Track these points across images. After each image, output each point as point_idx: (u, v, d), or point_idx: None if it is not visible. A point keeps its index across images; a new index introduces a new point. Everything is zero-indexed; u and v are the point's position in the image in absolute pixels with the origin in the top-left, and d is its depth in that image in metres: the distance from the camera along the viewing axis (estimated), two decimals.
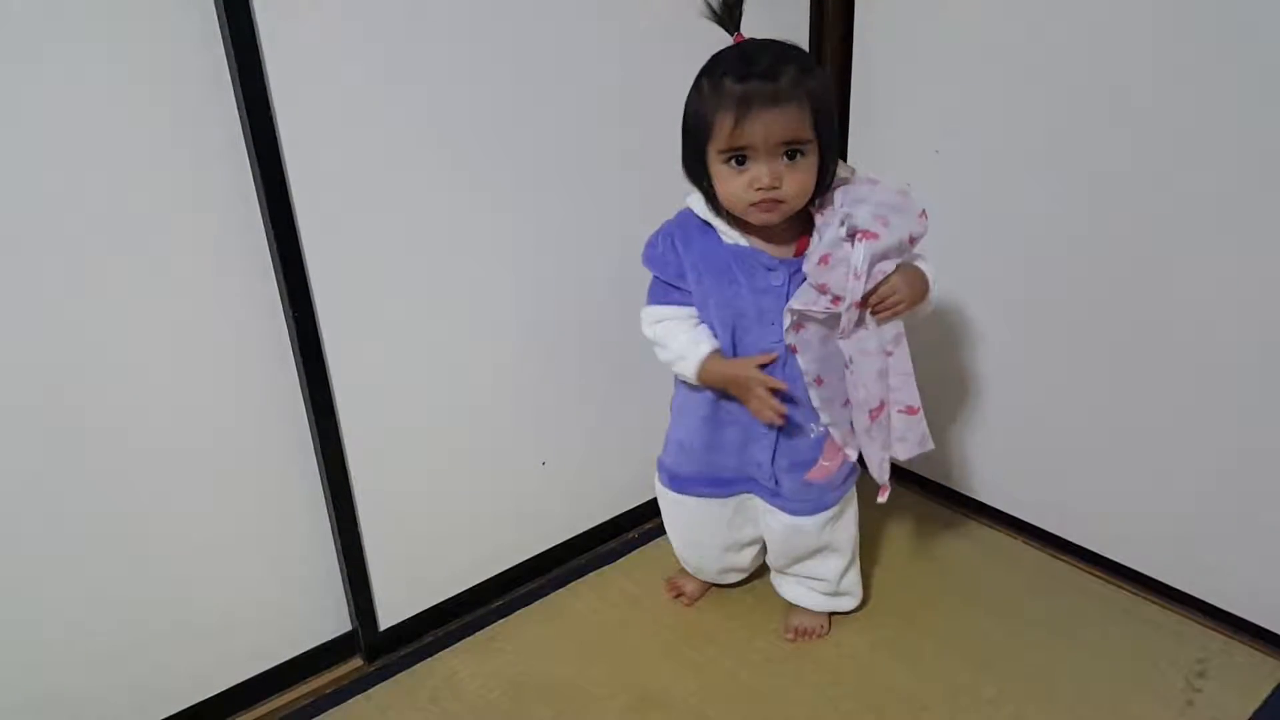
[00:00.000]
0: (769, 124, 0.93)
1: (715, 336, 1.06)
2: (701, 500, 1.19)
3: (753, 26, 0.99)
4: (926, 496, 1.54)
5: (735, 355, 1.06)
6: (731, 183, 0.97)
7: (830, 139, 0.97)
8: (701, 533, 1.23)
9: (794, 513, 1.14)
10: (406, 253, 1.10)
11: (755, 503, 1.18)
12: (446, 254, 1.13)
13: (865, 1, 1.36)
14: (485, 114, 1.11)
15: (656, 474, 1.23)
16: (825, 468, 1.11)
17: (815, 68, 0.97)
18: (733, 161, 0.96)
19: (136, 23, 0.87)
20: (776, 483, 1.13)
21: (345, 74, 0.99)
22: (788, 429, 1.08)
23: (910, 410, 1.05)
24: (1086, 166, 1.19)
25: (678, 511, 1.23)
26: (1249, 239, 1.07)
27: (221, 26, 0.90)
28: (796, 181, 0.96)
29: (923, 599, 1.30)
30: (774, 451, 1.11)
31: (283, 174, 0.97)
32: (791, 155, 0.96)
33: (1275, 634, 1.18)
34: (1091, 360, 1.27)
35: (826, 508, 1.14)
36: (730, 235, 1.03)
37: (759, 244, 1.03)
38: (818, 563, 1.19)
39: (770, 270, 1.02)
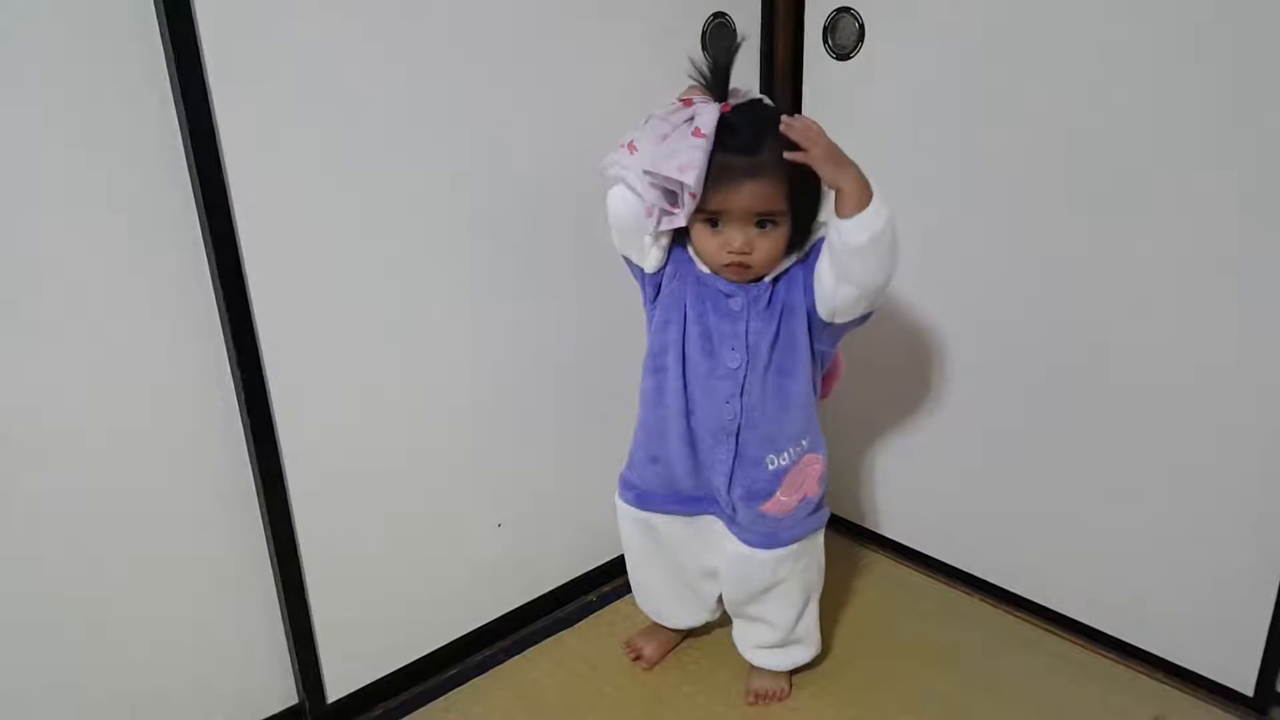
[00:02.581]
0: (743, 196, 0.97)
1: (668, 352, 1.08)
2: (668, 518, 1.19)
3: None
4: (885, 554, 1.54)
5: (697, 368, 1.07)
6: (707, 241, 1.02)
7: (805, 209, 1.01)
8: (665, 553, 1.21)
9: (747, 543, 1.13)
10: (359, 314, 1.09)
11: (718, 527, 1.18)
12: (401, 315, 1.13)
13: (812, 76, 1.42)
14: (448, 163, 1.12)
15: (619, 493, 1.22)
16: (782, 503, 1.11)
17: None
18: (709, 223, 1.00)
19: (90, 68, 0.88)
20: (734, 509, 1.13)
21: (298, 130, 1.00)
22: (744, 458, 1.09)
23: None
24: (1020, 240, 1.23)
25: (642, 531, 1.21)
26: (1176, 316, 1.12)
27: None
28: (765, 250, 1.00)
29: (883, 659, 1.29)
30: (730, 479, 1.11)
31: (232, 227, 0.97)
32: (762, 224, 0.99)
33: (1231, 689, 1.19)
34: (1042, 424, 1.29)
35: (780, 545, 1.13)
36: (700, 264, 1.06)
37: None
38: (770, 603, 1.18)
39: (729, 297, 1.05)
